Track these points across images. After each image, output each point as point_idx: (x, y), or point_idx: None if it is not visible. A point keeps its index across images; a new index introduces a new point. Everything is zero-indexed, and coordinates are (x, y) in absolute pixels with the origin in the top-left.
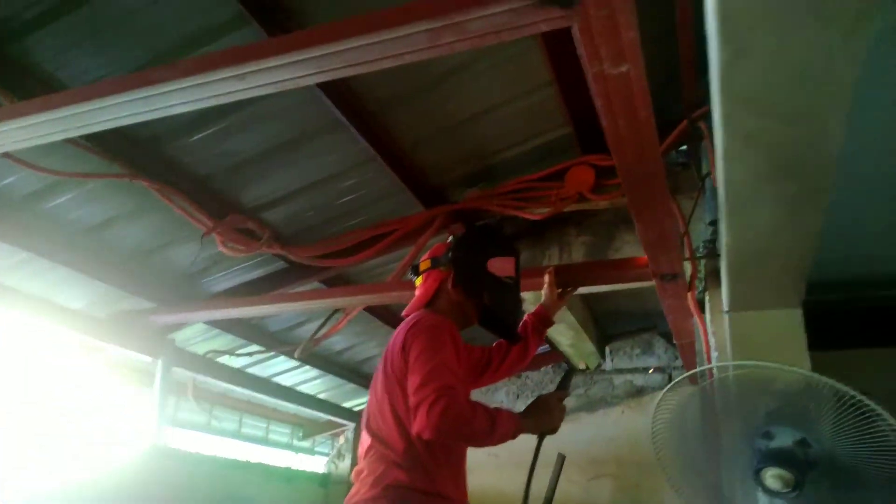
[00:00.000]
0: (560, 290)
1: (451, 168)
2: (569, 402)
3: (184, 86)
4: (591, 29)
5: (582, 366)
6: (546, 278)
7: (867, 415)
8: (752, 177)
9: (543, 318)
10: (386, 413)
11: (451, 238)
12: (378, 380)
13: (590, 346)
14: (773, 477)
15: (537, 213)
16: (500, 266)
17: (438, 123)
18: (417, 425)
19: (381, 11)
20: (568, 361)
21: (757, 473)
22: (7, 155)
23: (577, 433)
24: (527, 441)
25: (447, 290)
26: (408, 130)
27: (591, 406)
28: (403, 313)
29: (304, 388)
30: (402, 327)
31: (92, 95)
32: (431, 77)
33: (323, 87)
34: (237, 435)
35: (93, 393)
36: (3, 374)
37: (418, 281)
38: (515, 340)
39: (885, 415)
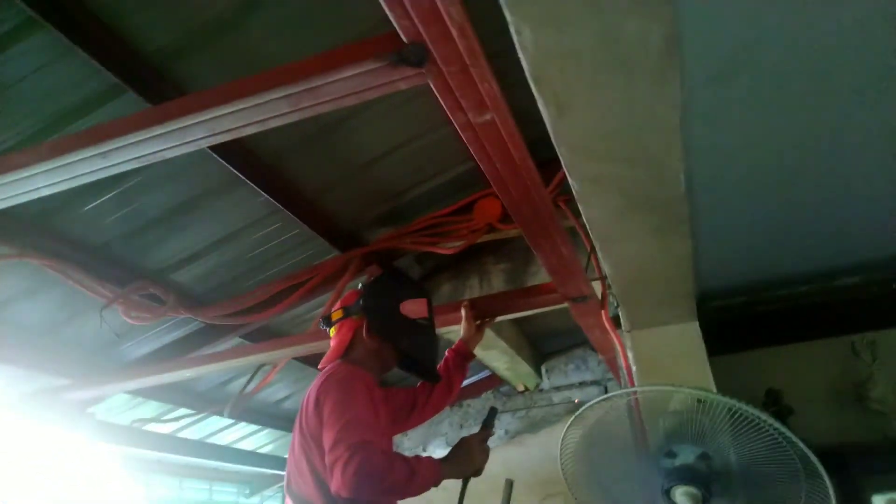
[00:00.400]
0: (478, 322)
1: (360, 211)
2: (511, 425)
3: (47, 168)
4: (448, 84)
5: (521, 388)
6: (462, 312)
7: (754, 421)
8: (610, 213)
9: (463, 353)
10: (304, 473)
11: (360, 285)
12: (295, 438)
13: (526, 368)
14: (682, 495)
15: (450, 248)
16: (413, 308)
17: (340, 168)
18: (335, 485)
19: (241, 80)
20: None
21: (666, 493)
22: None
23: (523, 456)
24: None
25: (362, 337)
26: (309, 178)
27: (534, 427)
28: (319, 366)
29: (244, 445)
30: (315, 382)
31: None
32: (326, 124)
33: (213, 146)
34: (178, 501)
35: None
36: None
37: (332, 332)
38: (436, 379)
39: (765, 417)
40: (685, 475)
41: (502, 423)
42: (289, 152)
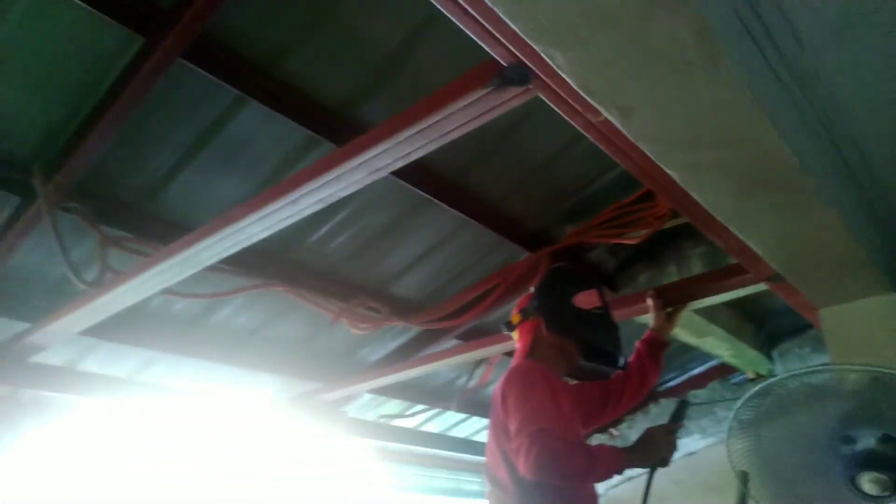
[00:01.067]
0: (668, 310)
1: (544, 210)
2: (745, 414)
3: (257, 218)
4: (557, 94)
5: (751, 375)
6: (649, 302)
7: None
8: (726, 196)
9: (656, 342)
10: (498, 459)
11: (531, 289)
12: (490, 429)
13: (753, 353)
14: (871, 482)
15: (636, 237)
16: (585, 300)
17: (519, 173)
18: (521, 469)
19: (384, 123)
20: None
21: (851, 481)
22: (166, 290)
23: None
24: (716, 462)
25: (543, 336)
26: (491, 187)
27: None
28: (509, 367)
29: (481, 437)
30: (501, 379)
31: (209, 233)
32: (498, 133)
33: (396, 173)
34: (428, 489)
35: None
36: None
37: (515, 335)
38: (622, 367)
39: None
40: (870, 460)
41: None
42: (468, 166)
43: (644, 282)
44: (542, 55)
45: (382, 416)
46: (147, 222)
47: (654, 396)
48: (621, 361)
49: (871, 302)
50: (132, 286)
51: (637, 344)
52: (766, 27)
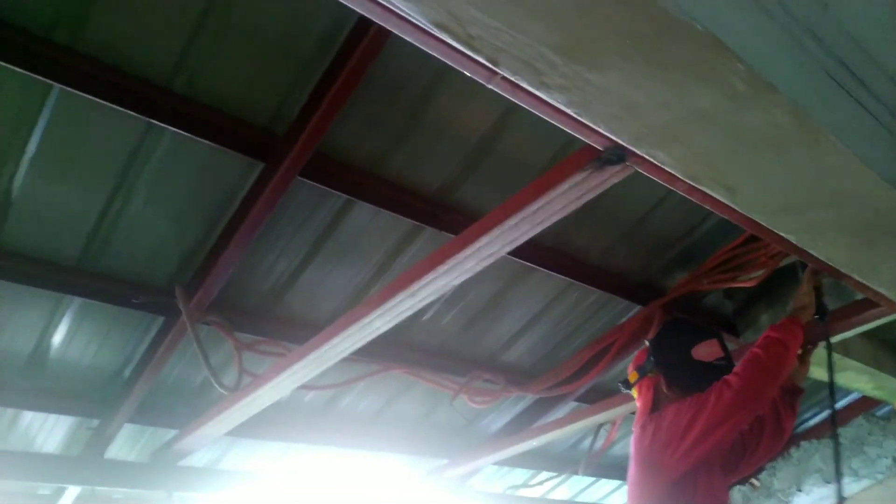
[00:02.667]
0: (798, 352)
1: (648, 262)
2: None
3: (378, 314)
4: (654, 166)
5: None
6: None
7: None
8: (846, 250)
9: (790, 389)
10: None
11: (646, 343)
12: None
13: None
14: None
15: (752, 279)
16: (706, 351)
17: (617, 230)
18: (729, 417)
19: (492, 212)
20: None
21: None
22: (301, 386)
23: None
24: None
25: (664, 393)
26: (591, 246)
27: None
28: (633, 426)
29: (613, 500)
30: (633, 441)
31: (337, 331)
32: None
33: None
34: None
35: None
36: None
37: (634, 393)
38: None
39: None
40: None
41: (887, 451)
42: (565, 231)
43: (766, 323)
44: (645, 156)
45: (509, 488)
46: (276, 324)
47: (793, 440)
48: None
49: None
50: (270, 387)
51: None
52: (858, 78)
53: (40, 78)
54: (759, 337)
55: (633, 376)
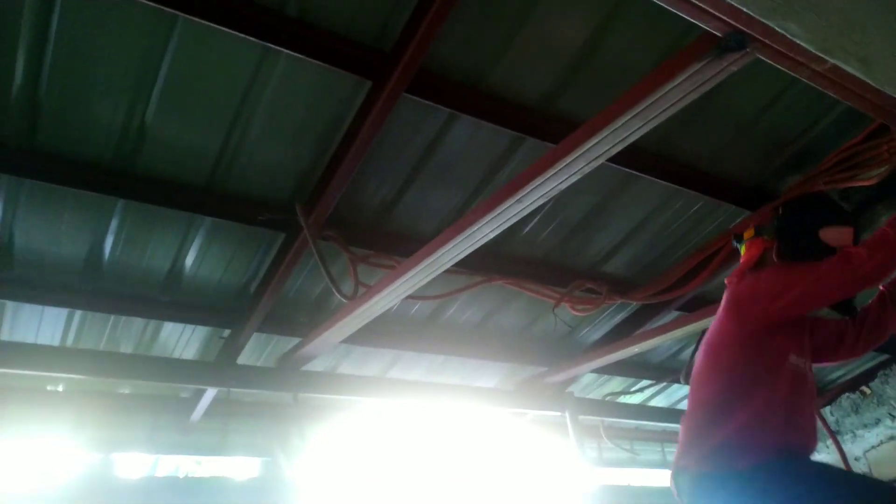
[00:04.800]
0: None
1: (761, 166)
2: None
3: (487, 220)
4: (777, 51)
5: None
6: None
7: None
8: None
9: None
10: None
11: (780, 208)
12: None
13: None
14: None
15: (873, 177)
16: (836, 236)
17: (727, 132)
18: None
19: (604, 111)
20: None
21: None
22: (407, 296)
23: None
24: None
25: (771, 259)
26: (699, 152)
27: None
28: (726, 280)
29: None
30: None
31: (445, 241)
32: (695, 100)
33: None
34: (662, 464)
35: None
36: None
37: (742, 249)
38: (852, 314)
39: None
40: None
41: None
42: (671, 135)
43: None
44: (776, 28)
45: (608, 395)
46: (385, 238)
47: None
48: (857, 311)
49: None
50: (383, 296)
51: (881, 287)
52: None
53: (167, 9)
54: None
55: (749, 232)
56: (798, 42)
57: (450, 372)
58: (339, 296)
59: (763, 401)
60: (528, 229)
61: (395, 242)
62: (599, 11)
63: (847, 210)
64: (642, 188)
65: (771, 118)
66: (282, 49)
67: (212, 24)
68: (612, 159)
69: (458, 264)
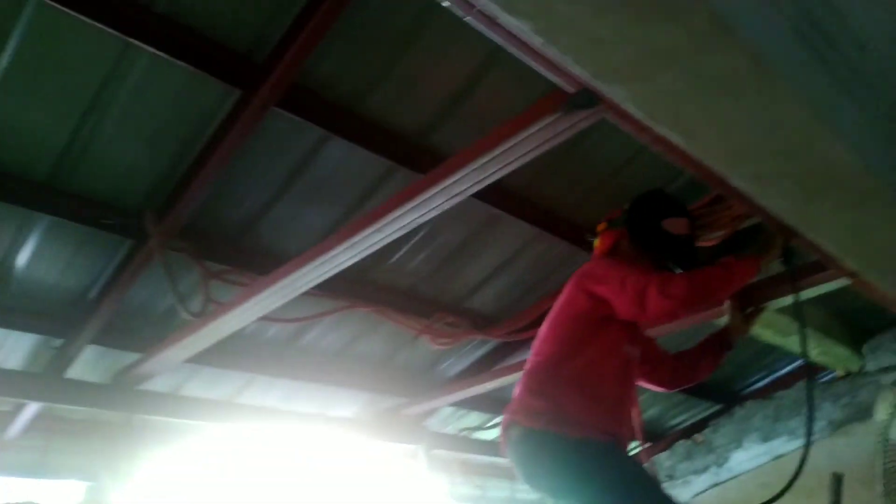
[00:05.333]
0: (749, 310)
1: None
2: (834, 414)
3: (345, 247)
4: (623, 112)
5: (841, 373)
6: (727, 303)
7: None
8: (796, 202)
9: (722, 341)
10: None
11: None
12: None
13: (842, 350)
14: None
15: (713, 239)
16: (674, 225)
17: (588, 183)
18: (653, 302)
19: (461, 152)
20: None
21: None
22: (263, 317)
23: (852, 448)
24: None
25: (623, 246)
26: (560, 199)
27: (861, 414)
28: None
29: None
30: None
31: (303, 263)
32: (562, 148)
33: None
34: (510, 502)
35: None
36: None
37: (596, 242)
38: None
39: None
40: None
41: (823, 414)
42: (536, 181)
43: None
44: (606, 92)
45: (464, 430)
46: (244, 255)
47: (738, 399)
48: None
49: None
50: (234, 315)
51: (706, 336)
52: (826, 37)
53: None
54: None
55: (602, 225)
56: (626, 108)
57: (307, 399)
58: (183, 311)
59: (596, 378)
60: (396, 258)
61: (256, 260)
62: (478, 54)
63: (684, 205)
64: (509, 228)
65: (630, 173)
66: (146, 46)
67: (67, 10)
68: (482, 198)
69: (321, 288)
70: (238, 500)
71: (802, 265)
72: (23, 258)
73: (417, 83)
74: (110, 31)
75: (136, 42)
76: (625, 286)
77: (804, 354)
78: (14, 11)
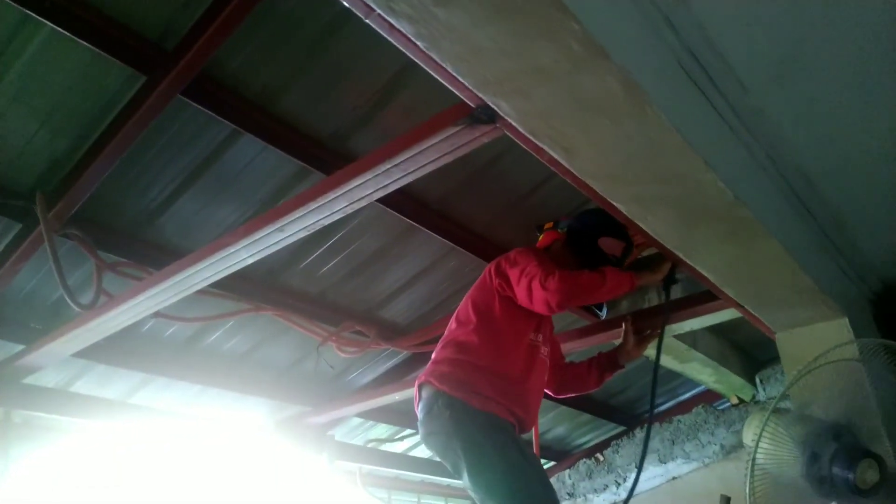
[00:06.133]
0: (643, 334)
1: (528, 239)
2: (727, 440)
3: (245, 244)
4: (520, 133)
5: (734, 401)
6: (623, 326)
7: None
8: (672, 227)
9: (612, 362)
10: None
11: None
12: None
13: (737, 379)
14: (866, 471)
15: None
16: (610, 245)
17: (502, 202)
18: (538, 299)
19: (361, 158)
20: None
21: (852, 485)
22: (158, 314)
23: (742, 472)
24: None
25: (557, 247)
26: (475, 216)
27: None
28: None
29: None
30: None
31: (199, 258)
32: (479, 166)
33: (383, 201)
34: None
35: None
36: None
37: (540, 237)
38: (597, 316)
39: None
40: (849, 454)
41: (717, 438)
42: (453, 196)
43: (626, 307)
44: (490, 104)
45: (371, 441)
46: (143, 248)
47: (640, 421)
48: (603, 313)
49: (825, 327)
50: (125, 309)
51: (598, 354)
52: (707, 74)
53: None
54: (616, 317)
55: (549, 224)
56: (510, 121)
57: (207, 403)
58: (70, 302)
59: (504, 357)
60: (306, 262)
61: (157, 254)
62: (396, 61)
63: (629, 234)
64: (423, 241)
65: (542, 195)
66: (45, 21)
67: None
68: (397, 208)
69: (226, 289)
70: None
71: (696, 294)
72: None
73: (335, 87)
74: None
75: (34, 15)
76: (523, 274)
77: (655, 374)
78: None
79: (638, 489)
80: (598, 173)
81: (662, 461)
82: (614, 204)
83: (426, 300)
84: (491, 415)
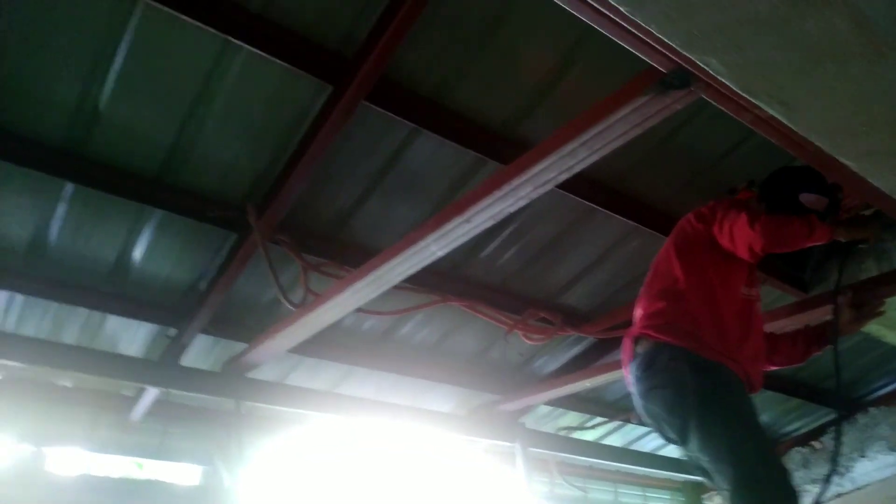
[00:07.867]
0: (862, 308)
1: None
2: None
3: (434, 238)
4: (720, 92)
5: None
6: (840, 299)
7: None
8: None
9: (821, 337)
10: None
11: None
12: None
13: None
14: None
15: None
16: (811, 200)
17: (685, 174)
18: (741, 240)
19: (549, 138)
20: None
21: None
22: (359, 309)
23: None
24: None
25: (753, 205)
26: (656, 191)
27: None
28: None
29: (669, 451)
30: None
31: (393, 254)
32: (658, 139)
33: (560, 186)
34: None
35: (470, 480)
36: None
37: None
38: (801, 273)
39: None
40: None
41: None
42: (630, 172)
43: (835, 282)
44: (699, 63)
45: (562, 429)
46: (340, 248)
47: (861, 406)
48: (807, 274)
49: None
50: (331, 305)
51: (805, 326)
52: None
53: None
54: (829, 291)
55: (743, 186)
56: (722, 80)
57: (402, 392)
58: (285, 302)
59: (721, 309)
60: (487, 252)
61: (351, 253)
62: (564, 41)
63: (830, 184)
64: (602, 222)
65: (727, 166)
66: (243, 44)
67: (172, 11)
68: (573, 191)
69: (414, 282)
70: (340, 490)
71: None
72: (139, 252)
73: (504, 72)
74: (210, 29)
75: (234, 40)
76: (726, 216)
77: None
78: (124, 16)
79: (864, 480)
80: (823, 128)
81: (893, 449)
82: (843, 161)
83: (609, 283)
84: (724, 367)
